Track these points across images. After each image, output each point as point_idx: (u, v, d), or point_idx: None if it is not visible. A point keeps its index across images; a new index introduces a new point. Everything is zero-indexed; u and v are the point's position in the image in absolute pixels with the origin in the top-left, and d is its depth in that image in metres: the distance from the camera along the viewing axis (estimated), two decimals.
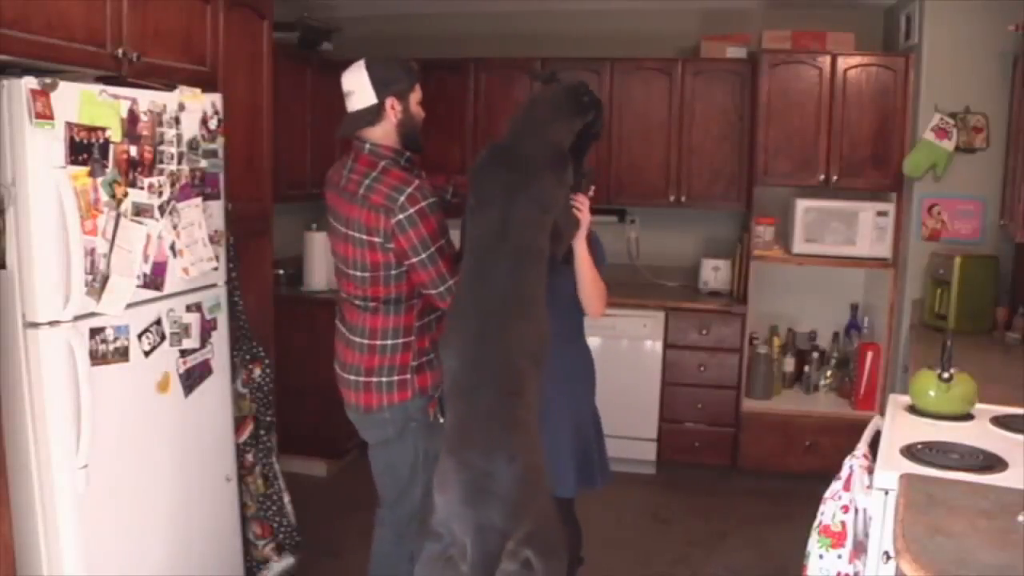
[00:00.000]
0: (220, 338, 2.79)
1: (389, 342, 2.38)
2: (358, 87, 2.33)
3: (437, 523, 1.98)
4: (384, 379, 2.39)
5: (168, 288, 2.54)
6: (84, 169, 2.19)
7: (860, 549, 1.91)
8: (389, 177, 2.29)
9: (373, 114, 2.33)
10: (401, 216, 2.24)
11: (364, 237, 2.30)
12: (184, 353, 2.63)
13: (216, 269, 2.76)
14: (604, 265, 2.56)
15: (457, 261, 2.30)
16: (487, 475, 1.91)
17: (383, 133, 2.35)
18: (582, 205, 2.37)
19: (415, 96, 2.39)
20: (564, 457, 2.49)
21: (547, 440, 2.20)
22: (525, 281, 2.12)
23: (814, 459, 4.08)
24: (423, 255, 2.26)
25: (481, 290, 2.12)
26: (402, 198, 2.24)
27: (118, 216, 2.32)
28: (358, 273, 2.36)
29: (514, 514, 1.91)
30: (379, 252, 2.30)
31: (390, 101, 2.32)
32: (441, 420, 2.35)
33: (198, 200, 2.64)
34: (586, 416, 2.62)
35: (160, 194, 2.48)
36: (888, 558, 1.77)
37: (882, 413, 2.34)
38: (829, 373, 4.41)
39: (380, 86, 2.31)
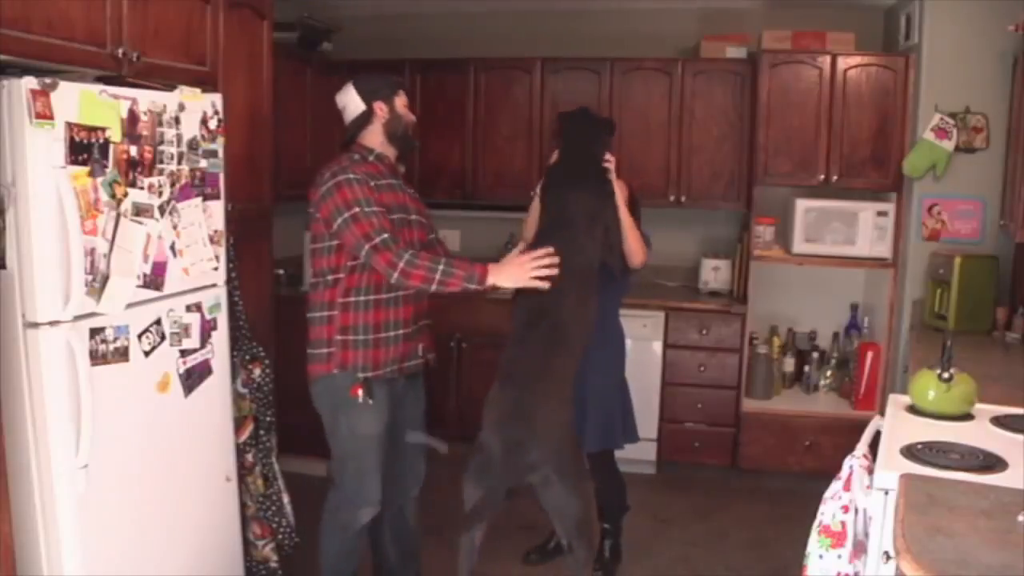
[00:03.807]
0: (220, 338, 2.79)
1: (316, 314, 2.66)
2: (349, 100, 2.69)
3: (481, 438, 2.46)
4: (314, 351, 2.67)
5: (168, 288, 2.54)
6: (84, 169, 2.19)
7: (860, 549, 1.91)
8: (331, 161, 2.64)
9: (365, 118, 2.67)
10: (323, 188, 2.56)
11: (309, 211, 2.64)
12: (184, 353, 2.63)
13: (216, 269, 2.76)
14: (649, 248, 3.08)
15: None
16: (520, 403, 2.43)
17: (370, 134, 2.68)
18: (610, 164, 2.89)
19: (400, 100, 2.71)
20: (589, 418, 3.01)
21: (577, 399, 2.77)
22: (574, 262, 2.59)
23: (814, 459, 4.08)
24: (340, 219, 2.52)
25: None
26: (327, 174, 2.58)
27: (118, 216, 2.32)
28: (310, 247, 2.72)
29: (537, 436, 2.40)
30: (315, 223, 2.62)
31: (377, 105, 2.66)
32: (370, 402, 2.62)
33: (198, 200, 2.64)
34: (612, 384, 3.11)
35: (160, 194, 2.48)
36: (888, 558, 1.76)
37: (882, 413, 2.33)
38: (829, 373, 4.41)
39: (366, 94, 2.67)
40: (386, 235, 2.50)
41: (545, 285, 2.48)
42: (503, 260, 2.63)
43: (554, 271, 2.49)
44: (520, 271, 2.51)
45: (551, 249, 2.52)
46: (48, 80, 2.09)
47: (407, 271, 2.48)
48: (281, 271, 4.24)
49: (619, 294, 3.16)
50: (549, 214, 2.78)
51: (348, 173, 2.54)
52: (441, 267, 2.49)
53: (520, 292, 2.59)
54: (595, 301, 2.69)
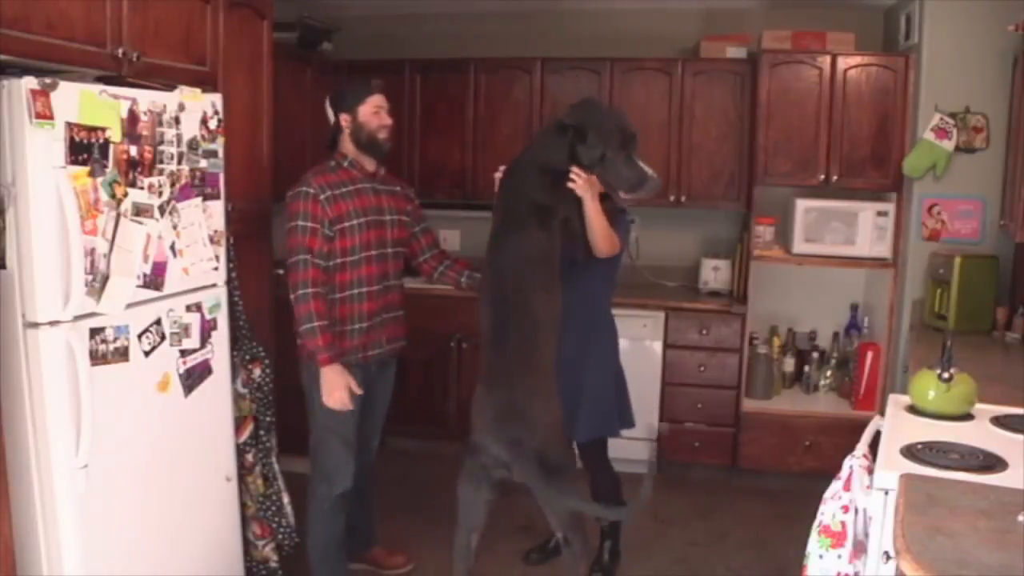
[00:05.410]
0: (220, 338, 2.79)
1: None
2: (328, 110, 2.92)
3: (475, 439, 2.56)
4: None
5: (168, 288, 2.54)
6: (84, 169, 2.19)
7: (860, 549, 1.91)
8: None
9: (336, 129, 2.90)
10: (288, 196, 2.84)
11: None
12: (184, 353, 2.63)
13: (216, 269, 2.76)
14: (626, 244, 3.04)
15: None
16: (512, 402, 2.52)
17: (344, 142, 2.90)
18: (577, 177, 2.72)
19: (365, 108, 2.85)
20: (583, 409, 3.00)
21: (571, 390, 2.88)
22: (530, 256, 2.64)
23: (814, 459, 4.08)
24: (286, 227, 2.82)
25: (494, 264, 2.70)
26: (297, 182, 2.83)
27: (118, 216, 2.32)
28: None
29: (532, 430, 2.50)
30: None
31: (342, 116, 2.86)
32: None
33: (198, 200, 2.65)
34: (607, 375, 3.08)
35: (160, 194, 2.48)
36: (888, 558, 1.77)
37: (882, 413, 2.34)
38: (829, 373, 4.41)
39: (334, 107, 2.89)
40: (304, 256, 2.77)
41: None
42: (338, 382, 2.76)
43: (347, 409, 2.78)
44: (333, 395, 2.75)
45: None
46: (48, 80, 2.09)
47: (297, 300, 2.77)
48: (281, 271, 4.22)
49: (605, 285, 3.09)
50: (501, 212, 2.81)
51: (304, 186, 2.79)
52: (315, 324, 2.74)
53: (483, 291, 2.74)
54: (559, 288, 2.69)
